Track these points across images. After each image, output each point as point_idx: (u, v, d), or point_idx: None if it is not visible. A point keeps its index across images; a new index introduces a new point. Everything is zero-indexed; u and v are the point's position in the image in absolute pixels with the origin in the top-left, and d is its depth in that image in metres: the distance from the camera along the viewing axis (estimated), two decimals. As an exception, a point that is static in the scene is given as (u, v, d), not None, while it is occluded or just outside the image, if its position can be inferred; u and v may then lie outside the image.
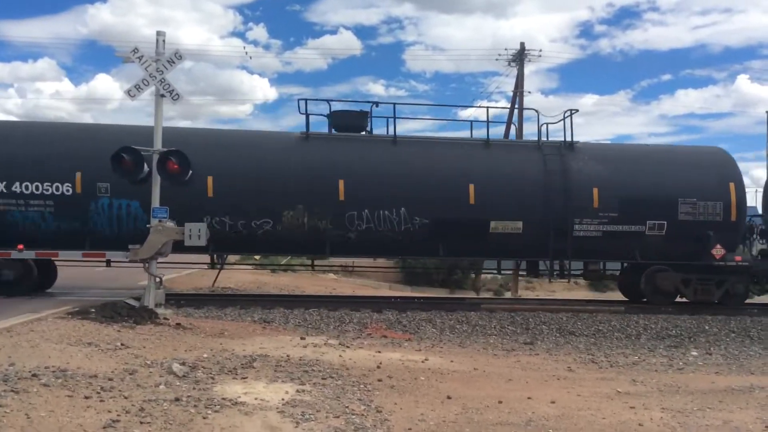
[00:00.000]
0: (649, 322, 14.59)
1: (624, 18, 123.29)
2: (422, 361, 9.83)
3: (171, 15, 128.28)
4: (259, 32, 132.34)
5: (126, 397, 6.46)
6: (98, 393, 6.52)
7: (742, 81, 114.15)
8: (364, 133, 16.59)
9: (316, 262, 21.32)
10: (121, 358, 8.26)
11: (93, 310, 11.71)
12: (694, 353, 12.08)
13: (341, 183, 15.25)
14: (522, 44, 34.32)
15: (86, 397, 6.33)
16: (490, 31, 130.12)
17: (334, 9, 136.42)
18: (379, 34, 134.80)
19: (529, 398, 7.70)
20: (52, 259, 14.95)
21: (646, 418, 7.03)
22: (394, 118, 16.14)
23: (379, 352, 10.48)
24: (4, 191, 14.55)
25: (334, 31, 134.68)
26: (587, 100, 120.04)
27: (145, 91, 13.13)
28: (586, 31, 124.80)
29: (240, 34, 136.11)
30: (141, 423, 5.75)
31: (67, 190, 14.67)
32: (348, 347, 10.76)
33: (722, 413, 7.36)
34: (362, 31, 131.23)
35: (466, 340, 12.65)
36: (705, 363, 11.13)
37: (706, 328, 14.43)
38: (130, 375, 7.39)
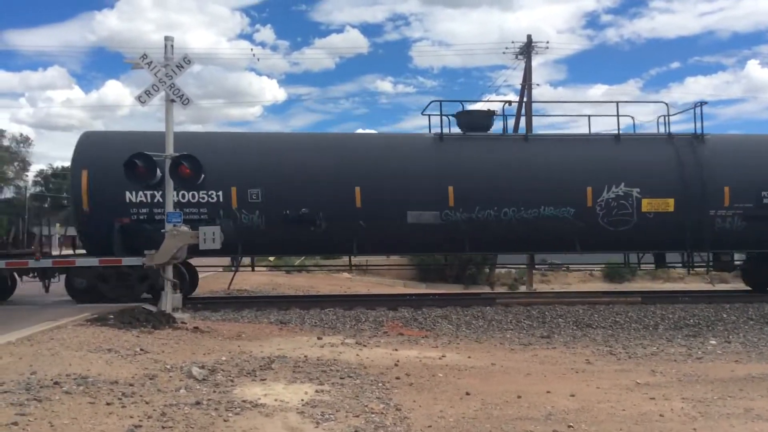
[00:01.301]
0: (667, 312, 14.52)
1: (630, 7, 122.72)
2: (439, 358, 9.84)
3: (178, 19, 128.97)
4: (266, 33, 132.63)
5: (147, 403, 6.51)
6: (120, 399, 6.57)
7: (752, 66, 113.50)
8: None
9: (330, 262, 21.34)
10: (140, 364, 8.32)
11: (111, 316, 11.79)
12: (713, 342, 12.01)
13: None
14: (529, 36, 34.19)
15: (108, 404, 6.38)
16: (497, 25, 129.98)
17: (339, 8, 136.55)
18: (385, 31, 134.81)
19: (548, 392, 7.68)
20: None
21: (666, 408, 7.00)
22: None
23: (396, 350, 10.49)
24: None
25: (340, 30, 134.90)
26: (596, 91, 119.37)
27: (155, 96, 13.20)
28: (592, 21, 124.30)
29: (247, 36, 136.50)
30: (163, 428, 5.79)
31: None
32: (365, 346, 10.78)
33: (743, 401, 7.32)
34: (368, 29, 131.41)
35: (483, 335, 12.64)
36: (724, 351, 11.06)
37: (724, 316, 14.35)
38: (151, 380, 7.45)
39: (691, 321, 14.00)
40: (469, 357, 10.07)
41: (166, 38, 13.77)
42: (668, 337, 12.63)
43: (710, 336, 12.71)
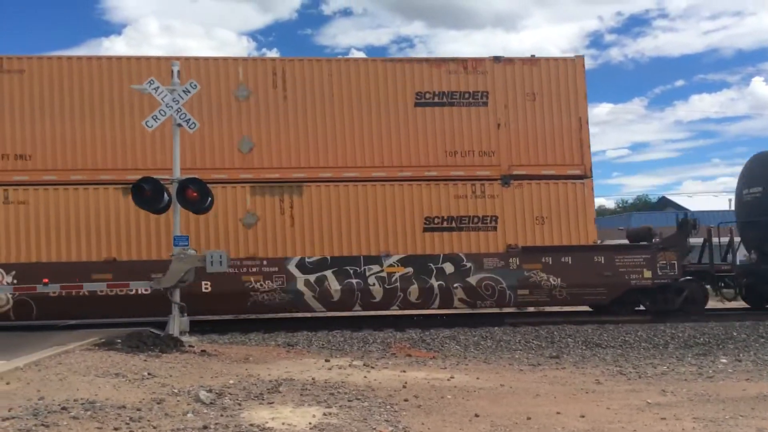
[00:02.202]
0: (677, 330, 14.43)
1: (633, 26, 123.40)
2: (448, 379, 9.78)
3: (185, 44, 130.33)
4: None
5: (155, 427, 6.49)
6: (127, 424, 6.55)
7: (757, 83, 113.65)
8: None
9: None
10: (148, 388, 8.30)
11: (119, 340, 11.80)
12: (724, 360, 11.90)
13: None
14: (532, 56, 34.24)
15: (116, 429, 6.36)
16: (501, 45, 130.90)
17: (344, 31, 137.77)
18: (389, 53, 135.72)
19: (558, 413, 7.62)
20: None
21: (677, 428, 6.93)
22: None
23: (404, 371, 10.44)
24: None
25: (345, 53, 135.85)
26: (601, 110, 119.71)
27: (162, 121, 13.31)
28: (596, 40, 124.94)
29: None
30: (170, 452, 5.76)
31: None
32: (373, 368, 10.74)
33: (755, 420, 7.24)
34: (373, 52, 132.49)
35: (491, 356, 12.56)
36: (735, 370, 10.95)
37: (734, 334, 14.24)
38: (158, 404, 7.43)
39: (701, 339, 13.90)
40: (478, 378, 10.00)
41: (172, 63, 13.95)
42: (678, 356, 12.53)
43: (721, 354, 12.60)
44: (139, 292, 14.45)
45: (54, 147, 15.41)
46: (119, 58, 16.16)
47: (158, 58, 16.01)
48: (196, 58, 16.26)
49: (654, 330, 14.49)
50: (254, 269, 15.53)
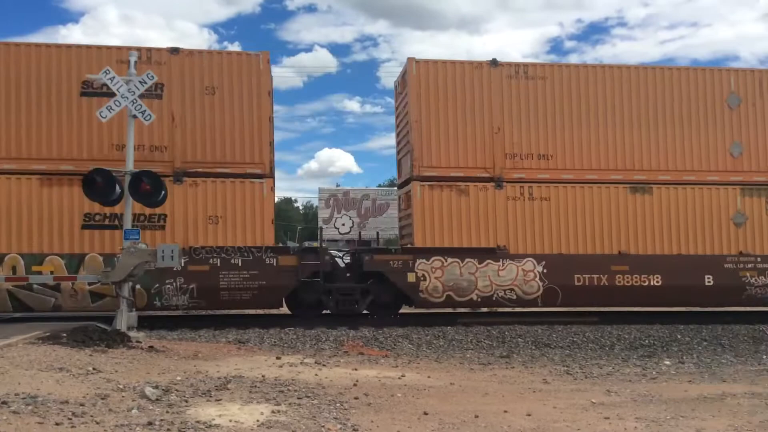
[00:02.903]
0: (623, 332, 14.74)
1: (593, 34, 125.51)
2: (399, 378, 9.82)
3: (145, 35, 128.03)
4: (234, 51, 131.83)
5: (98, 423, 6.37)
6: (69, 419, 6.42)
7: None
8: None
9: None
10: (92, 383, 8.14)
11: (64, 334, 11.54)
12: (667, 362, 12.20)
13: None
14: (494, 60, 34.67)
15: (57, 424, 6.23)
16: (464, 47, 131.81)
17: (308, 27, 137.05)
18: (353, 51, 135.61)
19: (505, 412, 7.72)
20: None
21: (620, 428, 7.09)
22: None
23: (356, 369, 10.45)
24: None
25: (309, 49, 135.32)
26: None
27: (117, 112, 13.07)
28: (556, 46, 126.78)
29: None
30: (113, 449, 5.67)
31: None
32: (324, 366, 10.72)
33: (695, 421, 7.44)
34: (337, 49, 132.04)
35: (443, 355, 12.66)
36: (678, 372, 11.25)
37: (679, 337, 14.61)
38: (102, 400, 7.29)
39: (647, 341, 14.23)
40: (429, 377, 10.07)
41: (130, 54, 13.72)
42: (624, 357, 12.80)
43: (665, 356, 12.92)
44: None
45: (572, 149, 16.54)
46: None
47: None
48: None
49: (601, 331, 14.78)
50: (749, 265, 16.60)
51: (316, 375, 9.75)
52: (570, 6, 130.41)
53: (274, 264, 15.35)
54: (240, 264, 15.22)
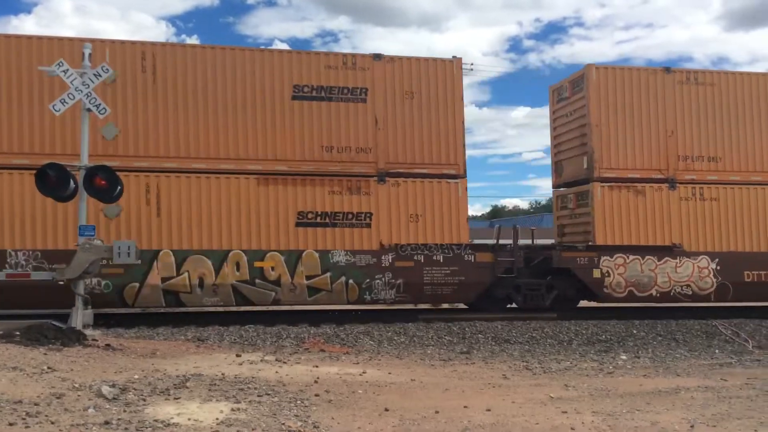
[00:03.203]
0: (580, 327, 14.98)
1: (551, 33, 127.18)
2: (360, 374, 9.82)
3: (100, 27, 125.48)
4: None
5: (53, 423, 6.24)
6: (23, 419, 6.27)
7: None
8: None
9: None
10: (47, 382, 7.96)
11: (18, 332, 11.24)
12: (623, 357, 12.45)
13: None
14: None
15: (11, 424, 6.08)
16: (425, 45, 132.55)
17: (267, 22, 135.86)
18: (313, 46, 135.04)
19: (465, 407, 7.78)
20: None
21: (577, 422, 7.21)
22: None
23: (317, 366, 10.42)
24: None
25: (268, 44, 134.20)
26: (519, 113, 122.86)
27: (71, 105, 12.77)
28: (515, 45, 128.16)
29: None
30: (68, 449, 5.55)
31: None
32: (285, 363, 10.67)
33: (650, 415, 7.61)
34: (296, 44, 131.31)
35: (404, 351, 12.70)
36: (633, 366, 11.49)
37: (634, 332, 14.91)
38: (57, 399, 7.14)
39: (603, 337, 14.49)
40: (390, 373, 10.10)
41: (84, 46, 13.41)
42: (581, 352, 13.02)
43: (621, 351, 13.19)
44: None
45: (738, 152, 17.42)
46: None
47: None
48: None
49: (560, 327, 15.00)
50: None
51: (276, 372, 9.70)
52: (529, 5, 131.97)
53: (473, 260, 16.11)
54: (441, 260, 15.94)
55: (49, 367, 8.83)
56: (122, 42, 15.30)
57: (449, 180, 16.26)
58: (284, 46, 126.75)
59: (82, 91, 12.67)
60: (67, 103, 12.70)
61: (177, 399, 7.61)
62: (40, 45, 14.90)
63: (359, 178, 15.89)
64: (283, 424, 6.75)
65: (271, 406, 7.47)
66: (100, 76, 12.84)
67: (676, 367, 11.49)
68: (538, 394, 8.71)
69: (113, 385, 7.93)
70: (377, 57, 16.21)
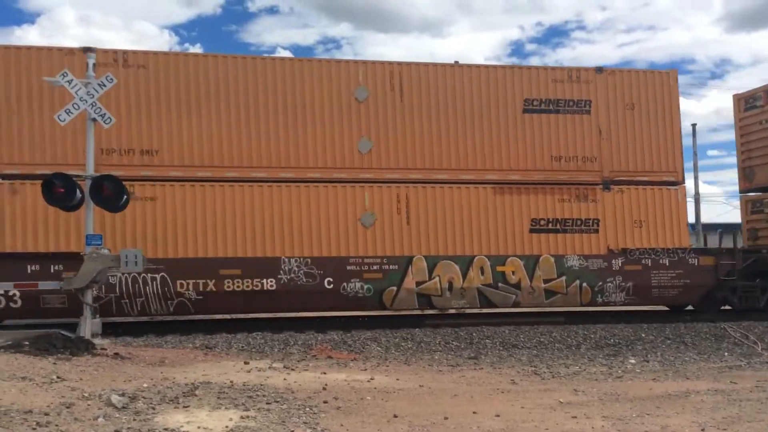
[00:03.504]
0: (588, 332, 14.93)
1: (552, 37, 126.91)
2: (368, 381, 9.81)
3: (103, 36, 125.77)
4: (195, 53, 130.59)
5: (63, 432, 6.25)
6: (34, 429, 6.29)
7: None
8: None
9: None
10: (57, 392, 7.98)
11: (27, 342, 11.27)
12: (632, 361, 12.40)
13: None
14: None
15: (20, 435, 6.09)
16: (427, 50, 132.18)
17: (269, 29, 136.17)
18: (316, 53, 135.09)
19: (474, 413, 7.76)
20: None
21: (587, 427, 7.18)
22: None
23: (325, 373, 10.42)
24: None
25: (271, 51, 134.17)
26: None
27: (75, 115, 12.82)
28: (517, 49, 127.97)
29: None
30: (79, 459, 5.56)
31: None
32: (293, 370, 10.66)
33: (660, 419, 7.58)
34: (299, 51, 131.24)
35: (412, 357, 12.68)
36: (643, 370, 11.44)
37: (643, 335, 14.85)
38: (67, 408, 7.15)
39: (612, 340, 14.44)
40: (398, 379, 10.08)
41: (88, 55, 13.47)
42: (590, 356, 12.97)
43: (630, 355, 13.13)
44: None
45: None
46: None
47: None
48: None
49: (568, 331, 14.95)
50: None
51: (284, 379, 9.70)
52: (530, 9, 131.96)
53: (696, 264, 16.82)
54: (667, 264, 16.65)
55: (58, 377, 8.85)
56: (373, 62, 16.32)
57: (669, 187, 17.04)
58: (287, 54, 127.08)
59: (86, 101, 12.73)
60: (72, 113, 12.76)
61: (186, 407, 7.61)
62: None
63: (585, 186, 16.77)
64: (293, 431, 6.75)
65: (280, 414, 7.47)
66: (104, 86, 12.90)
67: (685, 370, 11.44)
68: (547, 399, 8.68)
69: (122, 394, 7.94)
70: (599, 70, 17.10)
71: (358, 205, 15.68)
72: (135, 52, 15.31)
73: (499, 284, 16.00)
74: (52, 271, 14.02)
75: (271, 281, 15.03)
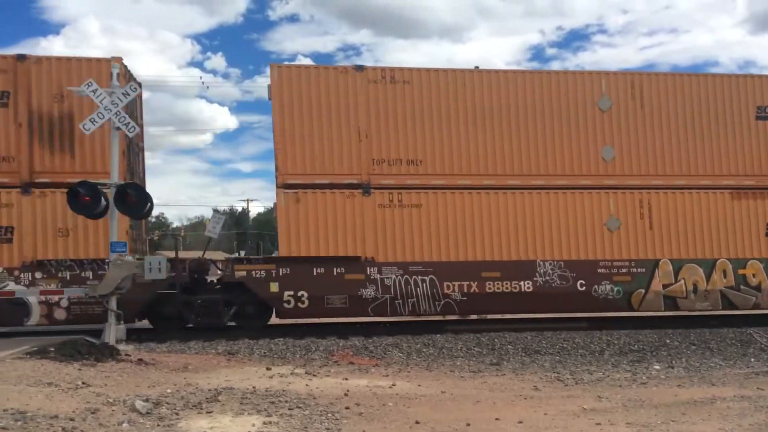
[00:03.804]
0: (612, 337, 14.79)
1: (574, 41, 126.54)
2: (390, 387, 9.81)
3: (127, 46, 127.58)
4: (217, 61, 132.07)
5: (88, 438, 6.32)
6: (59, 435, 6.36)
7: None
8: None
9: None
10: (82, 398, 8.07)
11: (52, 349, 11.42)
12: (657, 367, 12.27)
13: None
14: (476, 68, 35.00)
15: (47, 440, 6.17)
16: (447, 56, 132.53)
17: (290, 37, 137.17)
18: (336, 60, 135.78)
19: (497, 419, 7.72)
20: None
21: (612, 433, 7.12)
22: None
23: (346, 379, 10.43)
24: None
25: (292, 59, 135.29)
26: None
27: (100, 124, 13.00)
28: (537, 54, 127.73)
29: (198, 64, 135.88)
30: (104, 464, 5.62)
31: None
32: (315, 376, 10.69)
33: (685, 425, 7.49)
34: (319, 59, 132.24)
35: (433, 363, 12.65)
36: (667, 376, 11.31)
37: (667, 341, 14.69)
38: (92, 414, 7.23)
39: (636, 346, 14.30)
40: (419, 385, 10.06)
41: (112, 65, 13.66)
42: (614, 362, 12.85)
43: (654, 361, 12.99)
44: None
45: None
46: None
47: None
48: None
49: (591, 337, 14.83)
50: None
51: (306, 385, 9.72)
52: (550, 13, 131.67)
53: None
54: None
55: (83, 383, 8.95)
56: (615, 73, 16.93)
57: None
58: (308, 61, 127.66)
59: (111, 110, 12.89)
60: (96, 122, 12.94)
61: (210, 413, 7.67)
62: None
63: None
64: (315, 437, 6.76)
65: (302, 419, 7.49)
66: (128, 95, 13.07)
67: (711, 376, 11.29)
68: (570, 405, 8.61)
69: (146, 400, 8.02)
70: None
71: (603, 210, 16.23)
72: (401, 69, 16.04)
73: (741, 286, 16.40)
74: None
75: (527, 283, 15.73)
